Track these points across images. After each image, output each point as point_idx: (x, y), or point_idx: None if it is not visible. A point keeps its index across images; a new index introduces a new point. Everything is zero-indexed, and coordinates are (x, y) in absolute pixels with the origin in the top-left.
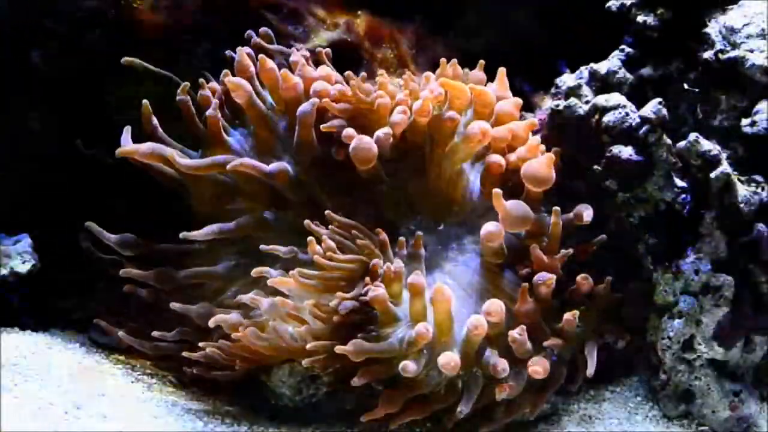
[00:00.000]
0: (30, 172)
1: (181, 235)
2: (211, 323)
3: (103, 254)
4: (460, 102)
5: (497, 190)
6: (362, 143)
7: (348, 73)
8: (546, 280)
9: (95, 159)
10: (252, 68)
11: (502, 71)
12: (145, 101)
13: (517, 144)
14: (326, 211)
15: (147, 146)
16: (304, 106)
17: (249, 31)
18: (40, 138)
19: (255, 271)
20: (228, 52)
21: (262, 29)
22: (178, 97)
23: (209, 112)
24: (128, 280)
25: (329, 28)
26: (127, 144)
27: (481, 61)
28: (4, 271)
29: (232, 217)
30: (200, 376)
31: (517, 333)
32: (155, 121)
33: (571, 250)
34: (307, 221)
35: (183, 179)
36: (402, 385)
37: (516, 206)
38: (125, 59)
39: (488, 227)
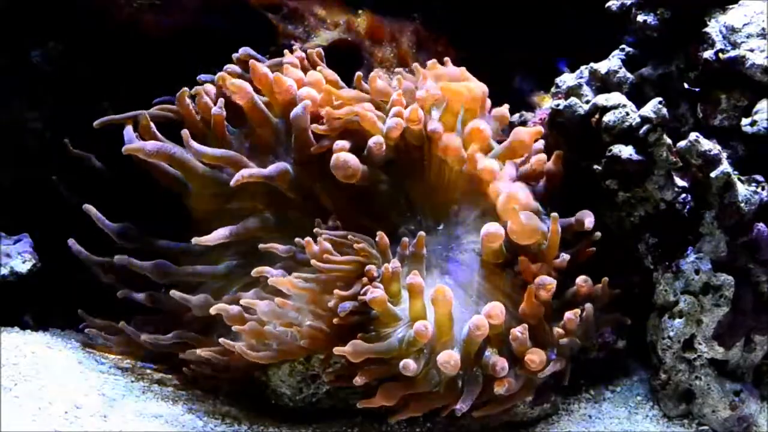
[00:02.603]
0: (30, 172)
1: (194, 240)
2: (212, 311)
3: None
4: (457, 105)
5: (515, 205)
6: (339, 162)
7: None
8: (546, 284)
9: (86, 164)
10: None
11: (446, 60)
12: (145, 115)
13: (522, 151)
14: (315, 229)
15: (152, 144)
16: (296, 110)
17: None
18: (40, 138)
19: (255, 271)
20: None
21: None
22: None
23: (215, 110)
24: (124, 284)
25: (330, 27)
26: (132, 142)
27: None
28: (4, 271)
29: (231, 216)
30: (200, 376)
31: (519, 331)
32: (154, 127)
33: (568, 256)
34: (297, 239)
35: (184, 178)
36: (402, 383)
37: (529, 218)
38: (97, 122)
39: (489, 228)
